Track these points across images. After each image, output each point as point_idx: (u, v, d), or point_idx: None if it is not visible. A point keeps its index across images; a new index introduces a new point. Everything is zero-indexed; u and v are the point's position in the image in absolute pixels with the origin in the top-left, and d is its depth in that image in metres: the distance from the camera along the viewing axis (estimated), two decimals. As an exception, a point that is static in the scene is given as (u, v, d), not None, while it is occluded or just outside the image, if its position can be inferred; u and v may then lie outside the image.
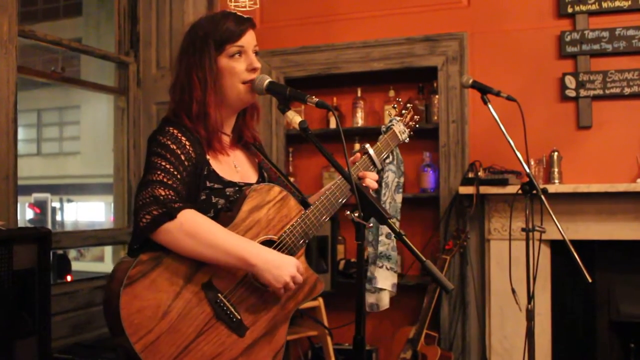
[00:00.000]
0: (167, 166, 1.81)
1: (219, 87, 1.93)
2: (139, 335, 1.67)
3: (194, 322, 1.75)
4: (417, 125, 2.35)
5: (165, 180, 1.78)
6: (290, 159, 4.69)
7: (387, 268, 3.51)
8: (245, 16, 1.98)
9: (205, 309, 1.77)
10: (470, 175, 4.07)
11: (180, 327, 1.72)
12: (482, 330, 4.10)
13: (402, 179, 3.45)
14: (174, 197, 1.76)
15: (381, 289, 3.50)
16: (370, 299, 3.54)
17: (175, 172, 1.81)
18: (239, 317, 1.82)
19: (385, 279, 3.50)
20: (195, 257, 1.75)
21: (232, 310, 1.81)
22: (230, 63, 1.92)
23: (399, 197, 3.47)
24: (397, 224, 3.37)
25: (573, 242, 2.88)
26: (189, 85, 1.92)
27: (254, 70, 1.94)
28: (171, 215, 1.72)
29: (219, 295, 1.79)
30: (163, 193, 1.75)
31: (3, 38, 3.11)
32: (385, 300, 3.53)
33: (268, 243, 1.89)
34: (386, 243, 3.46)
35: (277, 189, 1.94)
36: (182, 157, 1.84)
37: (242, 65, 1.93)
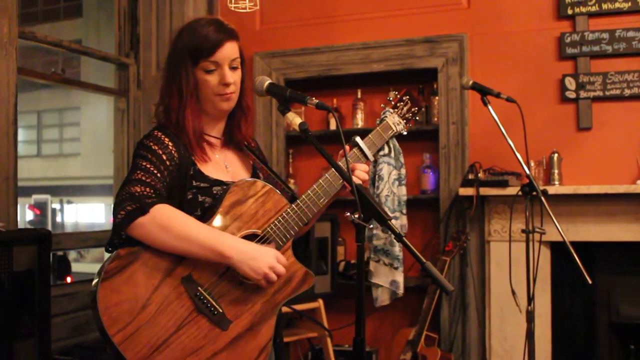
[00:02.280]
0: (147, 165, 1.83)
1: (197, 97, 1.96)
2: (117, 327, 1.68)
3: (174, 315, 1.75)
4: (416, 117, 2.28)
5: (143, 178, 1.80)
6: (291, 160, 4.68)
7: (384, 263, 3.47)
8: (226, 27, 1.97)
9: (185, 302, 1.77)
10: (470, 176, 4.07)
11: (159, 321, 1.73)
12: (482, 331, 4.09)
13: (403, 170, 3.37)
14: (150, 194, 1.78)
15: (378, 285, 3.47)
16: (373, 293, 3.50)
17: (155, 171, 1.83)
18: (221, 311, 1.81)
19: (382, 275, 3.46)
20: (170, 251, 1.76)
21: (214, 303, 1.80)
22: (204, 76, 1.94)
23: (401, 190, 3.38)
24: (404, 217, 3.32)
25: (573, 243, 2.88)
26: (169, 94, 1.96)
27: (225, 85, 1.95)
28: (144, 210, 1.73)
29: (199, 288, 1.79)
30: (139, 190, 1.77)
31: (3, 39, 3.11)
32: (382, 297, 3.49)
33: (251, 237, 1.88)
34: (382, 237, 3.42)
35: (260, 183, 1.94)
36: (164, 157, 1.87)
37: (215, 79, 1.94)
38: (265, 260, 1.81)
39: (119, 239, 1.77)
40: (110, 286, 1.69)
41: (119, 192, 1.79)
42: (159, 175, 1.83)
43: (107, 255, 1.80)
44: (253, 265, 1.80)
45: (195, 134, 1.95)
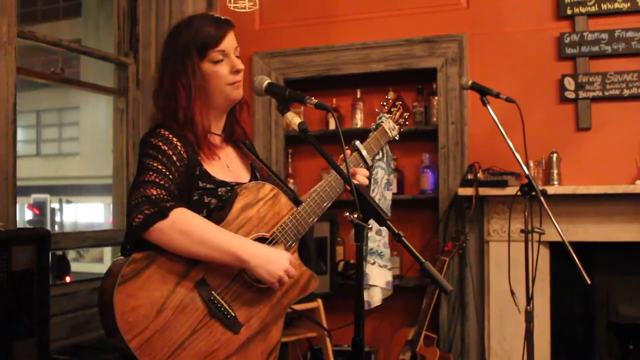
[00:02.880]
0: (159, 166, 1.82)
1: (204, 92, 1.95)
2: (134, 333, 1.67)
3: (188, 319, 1.75)
4: (406, 123, 2.35)
5: (157, 180, 1.79)
6: (290, 160, 4.68)
7: (379, 265, 3.49)
8: (223, 18, 1.99)
9: (199, 306, 1.77)
10: (470, 176, 4.07)
11: (174, 325, 1.73)
12: (481, 331, 4.09)
13: (392, 176, 3.43)
14: (165, 197, 1.77)
15: (372, 286, 3.49)
16: (365, 295, 3.50)
17: (167, 172, 1.82)
18: (234, 314, 1.82)
19: (377, 277, 3.48)
20: (188, 255, 1.76)
21: (227, 307, 1.81)
22: (214, 68, 1.94)
23: (389, 195, 3.44)
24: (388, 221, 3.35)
25: (572, 243, 2.88)
26: (174, 92, 1.93)
27: (237, 72, 1.95)
28: (163, 214, 1.72)
29: (213, 292, 1.80)
30: (155, 193, 1.76)
31: (2, 39, 3.11)
32: (376, 298, 3.51)
33: (260, 241, 1.90)
34: (376, 240, 3.44)
35: (268, 186, 1.95)
36: (174, 158, 1.85)
37: (225, 69, 1.94)
38: (280, 263, 1.84)
39: (131, 242, 1.75)
40: (126, 291, 1.68)
41: (132, 194, 1.77)
42: (170, 177, 1.82)
43: (107, 255, 1.80)
44: (269, 269, 1.82)
45: (204, 131, 1.94)
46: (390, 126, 2.28)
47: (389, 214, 3.41)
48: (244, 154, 2.13)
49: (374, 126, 2.30)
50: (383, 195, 3.38)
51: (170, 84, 1.94)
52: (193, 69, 1.92)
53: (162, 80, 1.97)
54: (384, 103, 2.35)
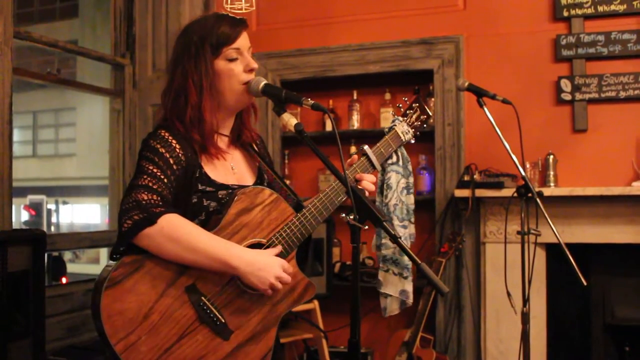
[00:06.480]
0: (155, 170, 1.80)
1: (216, 91, 1.92)
2: (119, 336, 1.66)
3: (176, 324, 1.73)
4: (424, 125, 2.26)
5: (150, 184, 1.77)
6: (286, 161, 4.68)
7: (393, 273, 3.46)
8: (238, 18, 1.98)
9: (188, 312, 1.75)
10: (466, 178, 4.07)
11: (161, 330, 1.71)
12: (477, 333, 4.10)
13: (411, 179, 3.36)
14: (157, 202, 1.75)
15: (387, 295, 3.46)
16: (381, 302, 3.49)
17: (162, 177, 1.80)
18: (223, 321, 1.80)
19: (391, 285, 3.44)
20: (178, 261, 1.74)
21: (216, 313, 1.79)
22: (228, 65, 1.91)
23: (409, 199, 3.37)
24: (412, 226, 3.30)
25: (568, 245, 2.88)
26: (185, 90, 1.90)
27: (251, 70, 1.94)
28: (151, 220, 1.70)
29: (203, 298, 1.78)
30: (146, 197, 1.74)
31: (-2, 39, 3.11)
32: (392, 307, 3.49)
33: (256, 247, 1.87)
34: (390, 247, 3.41)
35: (267, 191, 1.91)
36: (171, 161, 1.83)
37: (239, 67, 1.92)
38: (272, 270, 1.81)
39: (121, 247, 1.74)
40: (113, 294, 1.67)
41: (124, 198, 1.76)
42: (165, 180, 1.80)
43: (103, 256, 1.79)
44: (260, 276, 1.79)
45: (212, 131, 1.92)
46: (404, 130, 2.21)
47: (413, 218, 3.36)
48: (251, 156, 2.10)
49: (386, 129, 2.24)
50: (400, 200, 3.30)
51: (181, 82, 1.91)
52: (206, 66, 1.89)
53: (173, 78, 1.94)
54: (400, 105, 2.27)
